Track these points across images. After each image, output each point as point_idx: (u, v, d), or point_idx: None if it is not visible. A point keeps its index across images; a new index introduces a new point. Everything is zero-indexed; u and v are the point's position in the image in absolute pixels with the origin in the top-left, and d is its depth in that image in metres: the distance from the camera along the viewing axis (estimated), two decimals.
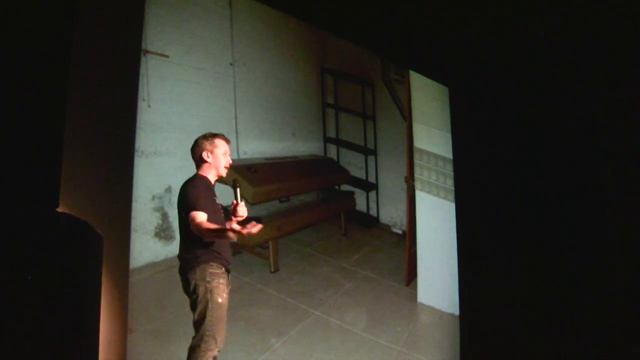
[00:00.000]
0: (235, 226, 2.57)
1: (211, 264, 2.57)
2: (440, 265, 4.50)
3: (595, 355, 2.70)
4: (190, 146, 2.75)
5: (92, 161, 2.17)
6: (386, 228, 7.58)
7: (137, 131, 3.07)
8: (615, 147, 2.72)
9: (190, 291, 2.58)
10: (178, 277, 4.37)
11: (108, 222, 2.22)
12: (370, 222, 7.63)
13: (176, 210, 4.74)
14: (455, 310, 3.86)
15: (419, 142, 4.74)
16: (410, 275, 5.05)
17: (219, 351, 2.61)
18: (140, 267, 4.33)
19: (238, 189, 2.75)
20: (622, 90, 2.68)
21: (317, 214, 6.51)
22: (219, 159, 2.70)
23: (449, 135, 3.73)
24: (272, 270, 4.99)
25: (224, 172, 2.73)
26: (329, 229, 6.89)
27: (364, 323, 4.14)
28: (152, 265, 4.46)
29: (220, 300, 2.54)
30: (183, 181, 4.92)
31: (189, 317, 3.70)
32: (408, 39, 3.12)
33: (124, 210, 2.51)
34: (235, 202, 2.75)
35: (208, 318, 2.50)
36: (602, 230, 2.75)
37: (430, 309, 4.62)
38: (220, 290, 2.55)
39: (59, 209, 1.78)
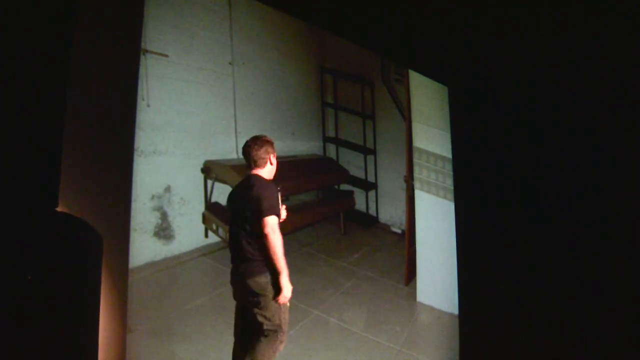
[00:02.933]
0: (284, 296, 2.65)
1: None
2: (440, 265, 4.50)
3: (595, 355, 2.71)
4: (248, 146, 2.78)
5: (92, 161, 2.16)
6: (385, 227, 7.59)
7: (137, 130, 3.07)
8: (616, 146, 2.72)
9: (257, 293, 2.61)
10: (177, 277, 4.42)
11: (107, 221, 2.21)
12: (369, 222, 7.65)
13: (175, 210, 4.78)
14: (455, 310, 3.86)
15: (419, 142, 4.75)
16: (410, 275, 5.06)
17: None
18: (140, 266, 4.34)
19: (279, 194, 2.83)
20: (622, 90, 2.68)
21: (316, 214, 6.52)
22: (275, 165, 2.84)
23: (449, 135, 3.72)
24: None
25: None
26: (328, 228, 6.90)
27: (363, 322, 4.15)
28: (152, 265, 4.47)
29: (288, 304, 2.69)
30: (183, 181, 4.94)
31: (188, 316, 3.73)
32: (408, 39, 3.12)
33: (123, 210, 2.50)
34: None
35: (283, 318, 2.63)
36: (603, 230, 2.76)
37: (430, 309, 4.63)
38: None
39: (58, 209, 1.77)
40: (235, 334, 2.80)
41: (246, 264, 2.63)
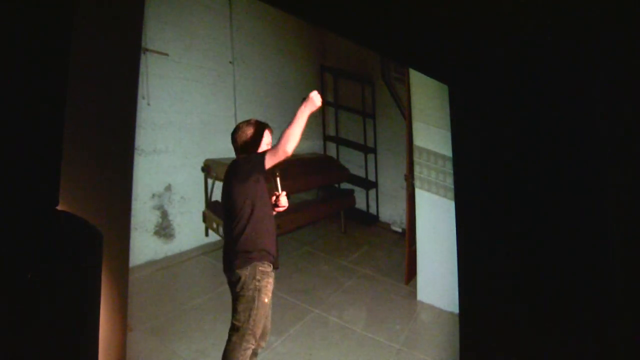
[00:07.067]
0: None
1: (263, 261, 2.54)
2: (440, 264, 4.51)
3: (595, 355, 2.71)
4: (234, 130, 2.70)
5: (92, 159, 2.17)
6: (386, 226, 7.59)
7: (137, 129, 3.07)
8: (616, 146, 2.72)
9: (238, 287, 2.51)
10: (178, 275, 4.43)
11: (108, 220, 2.22)
12: (369, 220, 7.65)
13: (176, 209, 4.79)
14: (455, 309, 3.86)
15: (419, 140, 4.75)
16: (410, 274, 5.06)
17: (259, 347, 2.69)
18: (140, 265, 4.35)
19: (278, 179, 2.73)
20: (623, 89, 2.68)
21: (316, 212, 6.52)
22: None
23: (449, 134, 3.72)
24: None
25: None
26: (329, 227, 6.90)
27: (363, 321, 4.15)
28: (152, 263, 4.48)
29: (266, 300, 2.53)
30: (183, 179, 4.93)
31: (189, 314, 3.74)
32: (408, 37, 3.12)
33: (123, 209, 2.50)
34: (277, 192, 2.74)
35: (252, 317, 2.49)
36: (603, 229, 2.76)
37: (430, 307, 4.63)
38: (267, 290, 2.54)
39: (59, 207, 1.77)
40: None
41: (228, 254, 2.56)
